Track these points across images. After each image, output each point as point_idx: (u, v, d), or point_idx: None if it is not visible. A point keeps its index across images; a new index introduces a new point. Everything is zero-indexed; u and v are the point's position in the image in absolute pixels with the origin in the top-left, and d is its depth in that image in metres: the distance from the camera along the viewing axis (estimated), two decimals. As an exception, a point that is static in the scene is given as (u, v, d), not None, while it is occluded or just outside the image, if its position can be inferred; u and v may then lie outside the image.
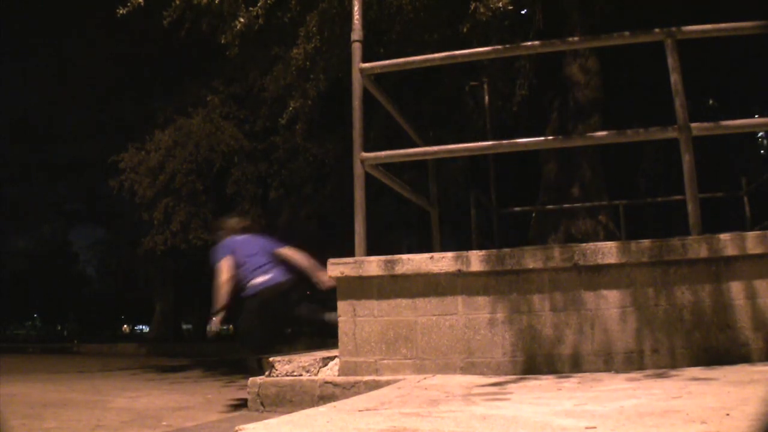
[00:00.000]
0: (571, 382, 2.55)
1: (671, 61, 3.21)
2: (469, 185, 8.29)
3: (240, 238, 4.62)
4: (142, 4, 5.45)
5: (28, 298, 37.55)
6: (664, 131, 3.26)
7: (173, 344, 17.17)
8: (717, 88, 11.22)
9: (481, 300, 3.09)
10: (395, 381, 2.90)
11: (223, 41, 5.78)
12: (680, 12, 6.67)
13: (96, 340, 25.24)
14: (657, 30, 3.28)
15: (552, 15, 6.35)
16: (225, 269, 4.37)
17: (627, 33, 3.51)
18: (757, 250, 2.89)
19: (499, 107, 7.81)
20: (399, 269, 3.17)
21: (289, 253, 4.55)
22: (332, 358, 3.34)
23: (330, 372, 3.29)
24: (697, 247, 2.92)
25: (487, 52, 4.30)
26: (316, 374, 3.29)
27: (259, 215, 10.83)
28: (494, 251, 3.15)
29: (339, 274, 3.25)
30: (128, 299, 32.56)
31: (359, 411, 2.01)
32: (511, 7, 4.73)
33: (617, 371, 2.86)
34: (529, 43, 4.56)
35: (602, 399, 2.05)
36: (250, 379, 3.39)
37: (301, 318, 4.58)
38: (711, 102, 11.88)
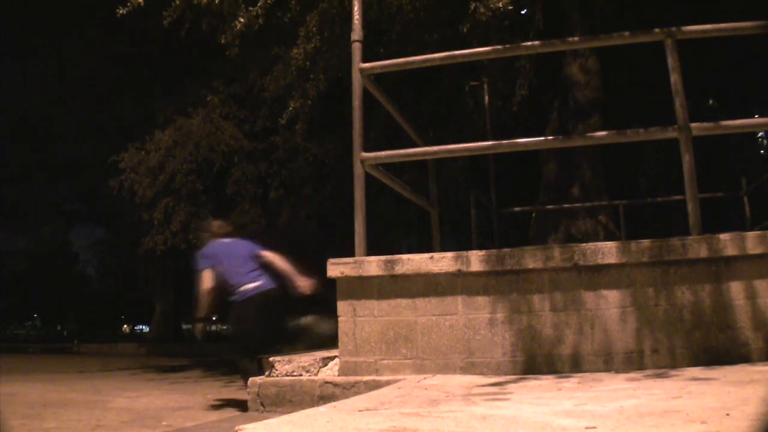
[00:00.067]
0: (571, 382, 2.55)
1: (671, 61, 3.21)
2: (469, 185, 8.29)
3: (224, 242, 4.65)
4: (142, 4, 5.45)
5: (28, 298, 37.56)
6: (664, 131, 3.26)
7: (173, 344, 17.19)
8: (717, 88, 11.21)
9: (481, 300, 3.09)
10: (395, 381, 2.90)
11: (223, 41, 5.78)
12: (680, 12, 6.66)
13: (96, 340, 25.27)
14: (657, 30, 3.28)
15: (552, 15, 6.35)
16: (207, 280, 4.42)
17: (627, 33, 3.51)
18: (757, 250, 2.89)
19: (499, 107, 7.81)
20: (399, 269, 3.17)
21: (271, 257, 4.57)
22: (332, 358, 3.34)
23: (330, 372, 3.29)
24: (697, 247, 2.92)
25: (487, 52, 4.30)
26: (316, 374, 3.29)
27: (259, 215, 10.84)
28: (494, 251, 3.15)
29: (339, 274, 3.25)
30: (128, 299, 32.59)
31: (359, 411, 2.01)
32: (511, 7, 4.73)
33: (617, 371, 2.85)
34: (529, 43, 4.56)
35: (602, 399, 2.05)
36: (250, 379, 3.39)
37: (288, 334, 4.59)
38: (711, 102, 11.87)
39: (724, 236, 2.94)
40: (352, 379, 3.09)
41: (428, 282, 3.15)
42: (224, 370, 8.14)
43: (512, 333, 3.03)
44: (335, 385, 3.09)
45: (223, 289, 4.45)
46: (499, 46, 4.35)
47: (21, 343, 26.71)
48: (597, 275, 3.01)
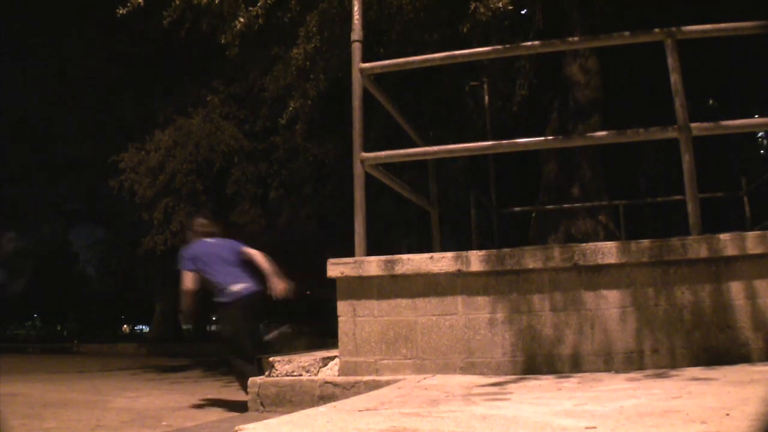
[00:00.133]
0: (571, 382, 2.55)
1: (671, 61, 3.21)
2: (469, 185, 8.29)
3: (207, 242, 4.64)
4: (142, 4, 5.45)
5: (28, 298, 37.55)
6: (664, 131, 3.26)
7: (173, 344, 17.18)
8: (717, 88, 11.21)
9: (481, 300, 3.09)
10: (395, 381, 2.90)
11: (223, 41, 5.78)
12: (680, 12, 6.66)
13: (96, 340, 25.26)
14: (657, 30, 3.28)
15: (552, 15, 6.35)
16: (188, 281, 4.45)
17: (627, 33, 3.51)
18: (757, 250, 2.89)
19: (499, 107, 7.81)
20: (399, 269, 3.17)
21: (254, 254, 4.57)
22: (332, 358, 3.34)
23: (330, 372, 3.29)
24: (697, 247, 2.92)
25: (487, 52, 4.30)
26: (316, 374, 3.29)
27: (259, 215, 10.85)
28: (494, 251, 3.15)
29: (339, 274, 3.25)
30: (128, 299, 32.54)
31: (359, 411, 2.01)
32: (511, 7, 4.74)
33: (617, 371, 2.85)
34: (529, 43, 4.56)
35: (602, 399, 2.05)
36: (250, 379, 3.39)
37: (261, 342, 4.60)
38: (711, 102, 11.87)
39: (724, 236, 2.94)
40: (352, 379, 3.09)
41: (428, 282, 3.15)
42: (224, 370, 8.13)
43: (512, 333, 3.03)
44: (335, 385, 3.09)
45: (207, 289, 4.46)
46: (499, 46, 4.35)
47: (21, 343, 26.72)
48: (597, 275, 3.01)
